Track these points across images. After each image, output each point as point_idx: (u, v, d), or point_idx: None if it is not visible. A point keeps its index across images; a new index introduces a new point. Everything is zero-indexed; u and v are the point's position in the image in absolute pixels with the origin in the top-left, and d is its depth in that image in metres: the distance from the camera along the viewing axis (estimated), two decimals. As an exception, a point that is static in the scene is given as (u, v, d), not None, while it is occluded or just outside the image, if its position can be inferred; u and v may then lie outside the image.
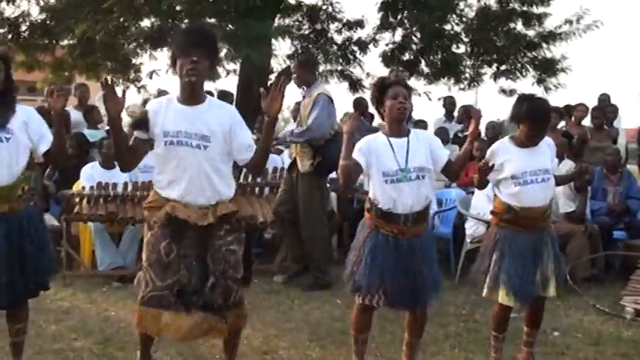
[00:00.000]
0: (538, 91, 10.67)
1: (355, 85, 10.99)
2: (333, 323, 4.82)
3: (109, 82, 3.17)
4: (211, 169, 3.30)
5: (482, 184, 3.93)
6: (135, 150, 3.33)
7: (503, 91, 11.05)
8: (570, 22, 10.30)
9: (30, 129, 3.36)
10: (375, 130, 4.76)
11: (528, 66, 10.63)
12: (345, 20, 10.67)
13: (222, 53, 9.29)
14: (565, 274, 3.97)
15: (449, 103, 9.65)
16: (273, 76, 10.19)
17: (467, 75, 11.04)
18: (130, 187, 5.99)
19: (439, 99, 10.57)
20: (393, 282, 3.44)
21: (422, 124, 8.02)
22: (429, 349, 4.24)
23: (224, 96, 7.96)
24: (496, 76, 10.83)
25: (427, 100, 10.68)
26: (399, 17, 10.68)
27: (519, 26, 10.63)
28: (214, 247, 3.29)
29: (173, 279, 3.21)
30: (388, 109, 3.50)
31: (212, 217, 3.28)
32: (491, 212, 3.94)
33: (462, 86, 11.16)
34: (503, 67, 10.74)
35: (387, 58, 11.06)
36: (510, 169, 3.76)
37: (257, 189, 6.42)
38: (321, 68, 10.72)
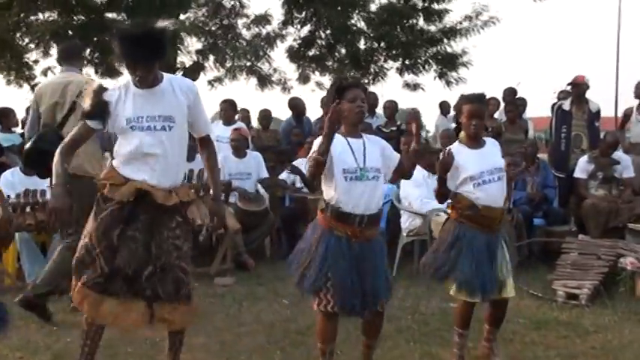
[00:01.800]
0: (440, 85, 11.15)
1: (264, 80, 10.95)
2: (287, 324, 4.80)
3: None
4: (176, 150, 3.30)
5: (443, 198, 3.92)
6: (78, 142, 3.33)
7: (407, 85, 11.34)
8: (470, 18, 10.73)
9: None
10: None
11: (431, 61, 10.97)
12: (252, 16, 10.61)
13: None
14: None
15: (372, 98, 9.61)
16: (179, 73, 9.98)
17: (372, 70, 11.27)
18: (58, 194, 5.67)
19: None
20: (341, 285, 3.39)
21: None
22: (385, 345, 4.27)
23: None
24: (401, 70, 11.09)
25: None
26: (303, 13, 10.74)
27: (421, 22, 10.95)
28: (162, 237, 3.24)
29: (122, 263, 3.16)
30: (347, 112, 3.47)
31: (176, 198, 3.25)
32: (452, 207, 3.93)
33: (366, 81, 11.37)
34: (407, 62, 11.02)
35: (294, 54, 11.11)
36: (467, 170, 3.80)
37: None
38: (229, 64, 10.63)
